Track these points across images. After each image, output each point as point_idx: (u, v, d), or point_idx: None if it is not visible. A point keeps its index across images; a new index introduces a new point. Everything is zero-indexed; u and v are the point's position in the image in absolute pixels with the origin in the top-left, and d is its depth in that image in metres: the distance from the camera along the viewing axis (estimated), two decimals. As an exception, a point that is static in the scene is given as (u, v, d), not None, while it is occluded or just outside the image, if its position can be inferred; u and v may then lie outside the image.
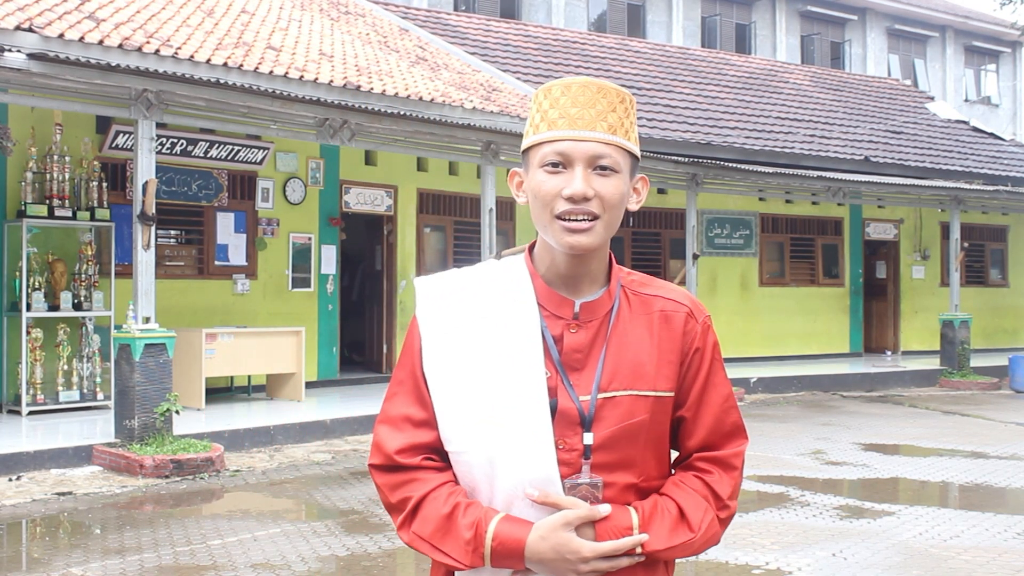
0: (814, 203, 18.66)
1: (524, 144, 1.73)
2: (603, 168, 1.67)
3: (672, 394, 1.73)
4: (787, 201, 18.50)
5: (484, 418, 1.66)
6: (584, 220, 1.65)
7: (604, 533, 1.64)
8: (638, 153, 1.76)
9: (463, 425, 1.67)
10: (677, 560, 1.78)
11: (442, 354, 1.70)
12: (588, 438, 1.66)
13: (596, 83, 1.70)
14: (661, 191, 16.75)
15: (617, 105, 1.70)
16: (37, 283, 10.16)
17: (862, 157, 18.59)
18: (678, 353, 1.74)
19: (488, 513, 1.64)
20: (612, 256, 1.77)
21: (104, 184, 10.70)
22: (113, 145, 11.00)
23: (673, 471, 1.81)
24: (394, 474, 1.69)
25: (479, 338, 1.69)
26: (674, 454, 1.83)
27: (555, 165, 1.67)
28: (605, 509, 1.64)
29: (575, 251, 1.67)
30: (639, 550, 1.65)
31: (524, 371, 1.66)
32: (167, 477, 8.13)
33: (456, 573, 1.70)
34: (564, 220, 1.65)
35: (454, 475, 1.70)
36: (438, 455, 1.71)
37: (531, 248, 1.79)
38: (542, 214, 1.68)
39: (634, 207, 1.77)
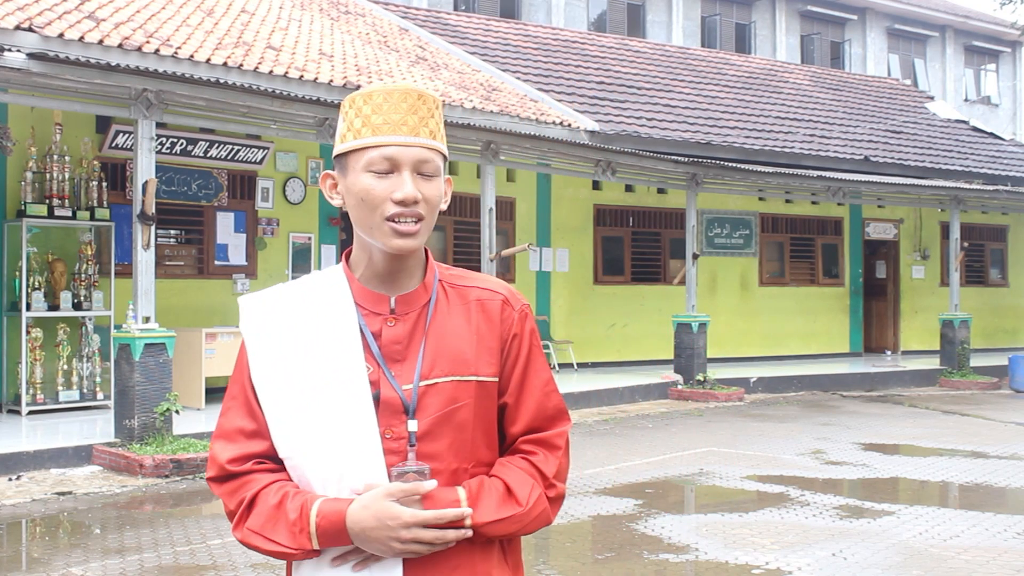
0: (814, 203, 18.66)
1: (344, 147, 1.75)
2: (426, 173, 1.73)
3: (495, 379, 1.78)
4: (787, 201, 18.50)
5: (311, 418, 1.70)
6: (412, 223, 1.71)
7: (431, 509, 1.67)
8: (447, 154, 1.82)
9: (292, 428, 1.71)
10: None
11: (266, 364, 1.75)
12: (412, 425, 1.70)
13: (416, 90, 1.75)
14: (661, 191, 16.76)
15: (434, 111, 1.76)
16: (37, 283, 10.16)
17: (862, 157, 18.60)
18: (497, 339, 1.78)
19: (313, 496, 1.68)
20: (428, 252, 1.83)
21: (104, 184, 10.70)
22: (113, 145, 11.00)
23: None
24: (228, 482, 1.73)
25: (300, 344, 1.74)
26: None
27: (382, 170, 1.71)
28: (430, 485, 1.67)
29: (403, 252, 1.72)
30: (468, 523, 1.68)
31: (344, 366, 1.71)
32: (167, 477, 8.13)
33: (295, 566, 1.73)
34: (394, 222, 1.70)
35: (288, 477, 1.74)
36: (272, 461, 1.75)
37: (347, 255, 1.84)
38: (370, 217, 1.71)
39: (443, 207, 1.81)
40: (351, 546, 1.66)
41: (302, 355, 1.73)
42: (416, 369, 1.73)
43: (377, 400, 1.70)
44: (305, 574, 1.72)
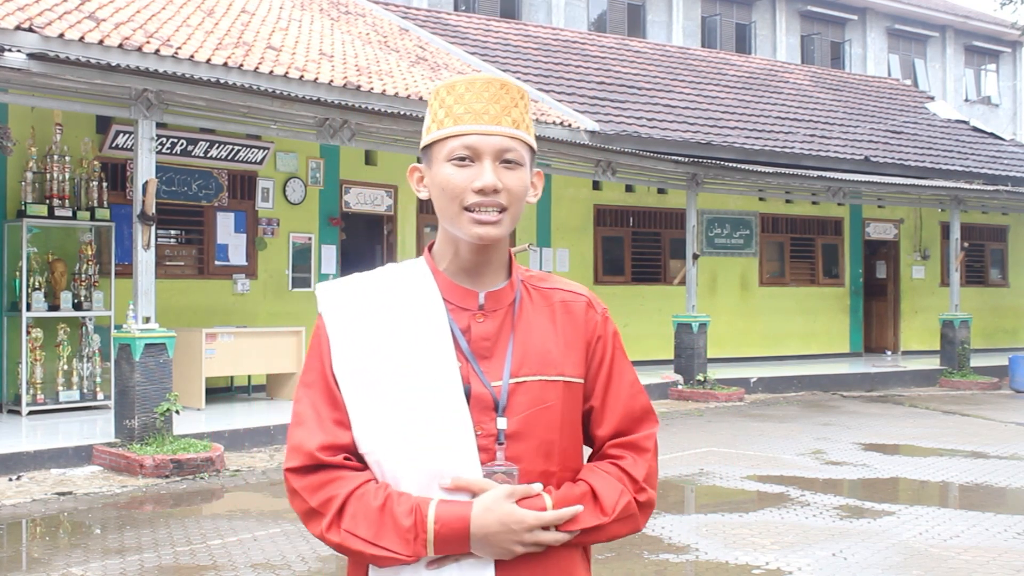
0: (814, 203, 18.66)
1: (427, 139, 1.75)
2: (509, 161, 1.70)
3: (581, 381, 1.75)
4: (787, 201, 18.50)
5: (400, 412, 1.66)
6: (493, 212, 1.68)
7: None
8: (536, 147, 1.79)
9: (378, 422, 1.67)
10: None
11: (351, 354, 1.71)
12: (502, 422, 1.67)
13: (499, 79, 1.73)
14: (661, 191, 16.75)
15: (519, 101, 1.73)
16: (37, 283, 10.16)
17: (862, 157, 18.60)
18: (582, 341, 1.77)
19: (423, 500, 1.62)
20: (510, 252, 1.82)
21: (104, 184, 10.70)
22: (113, 145, 11.00)
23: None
24: (316, 474, 1.66)
25: (387, 337, 1.70)
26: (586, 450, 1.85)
27: (462, 159, 1.69)
28: (538, 487, 1.65)
29: (483, 242, 1.70)
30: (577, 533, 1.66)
31: (436, 361, 1.68)
32: (167, 477, 8.13)
33: (374, 570, 1.67)
34: (473, 212, 1.68)
35: (372, 475, 1.69)
36: (356, 457, 1.69)
37: (430, 247, 1.82)
38: (450, 207, 1.70)
39: (532, 200, 1.79)
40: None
41: (390, 348, 1.69)
42: (505, 367, 1.70)
43: (468, 396, 1.67)
44: (387, 574, 1.65)
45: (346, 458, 1.67)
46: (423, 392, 1.66)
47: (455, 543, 1.60)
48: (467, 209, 1.68)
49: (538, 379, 1.70)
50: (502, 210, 1.69)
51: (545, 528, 1.63)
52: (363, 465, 1.69)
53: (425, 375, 1.67)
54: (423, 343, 1.69)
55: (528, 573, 1.64)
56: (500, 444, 1.67)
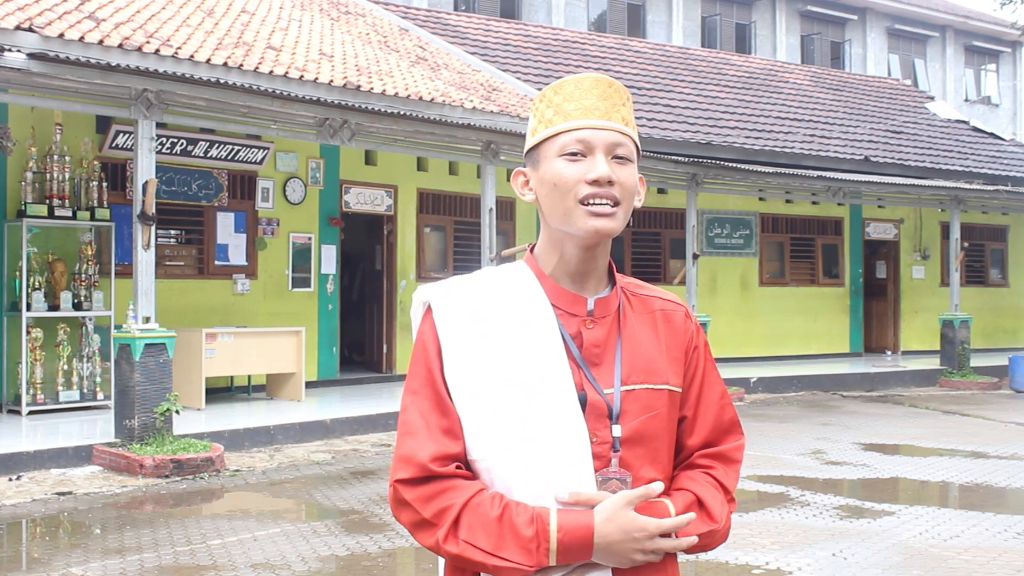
0: (814, 203, 18.66)
1: (537, 138, 1.73)
2: (620, 157, 1.71)
3: (681, 389, 1.76)
4: (787, 201, 18.50)
5: (514, 418, 1.64)
6: (608, 204, 1.67)
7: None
8: (641, 149, 1.79)
9: (492, 428, 1.65)
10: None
11: (463, 359, 1.68)
12: (617, 430, 1.67)
13: (607, 79, 1.74)
14: (661, 191, 16.75)
15: (626, 101, 1.75)
16: (37, 283, 10.16)
17: (862, 157, 18.60)
18: (682, 350, 1.78)
19: (543, 509, 1.60)
20: (611, 259, 1.80)
21: (104, 184, 10.70)
22: (113, 145, 11.00)
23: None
24: (428, 485, 1.62)
25: (499, 342, 1.68)
26: None
27: (575, 154, 1.68)
28: (658, 487, 1.64)
29: (600, 236, 1.68)
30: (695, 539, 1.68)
31: (550, 368, 1.66)
32: (167, 477, 8.13)
33: None
34: (588, 204, 1.67)
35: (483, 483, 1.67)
36: (465, 466, 1.67)
37: (531, 249, 1.79)
38: (563, 201, 1.68)
39: (638, 203, 1.78)
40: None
41: (503, 354, 1.67)
42: (615, 374, 1.69)
43: (583, 403, 1.66)
44: None
45: (457, 467, 1.64)
46: (538, 399, 1.64)
47: (578, 552, 1.58)
48: (581, 202, 1.67)
49: (646, 387, 1.71)
50: (616, 203, 1.68)
51: (666, 535, 1.63)
52: (474, 474, 1.66)
53: (539, 382, 1.65)
54: (536, 349, 1.67)
55: None
56: (616, 452, 1.66)
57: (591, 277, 1.74)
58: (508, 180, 1.89)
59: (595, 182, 1.66)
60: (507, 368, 1.66)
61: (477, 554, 1.58)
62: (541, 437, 1.64)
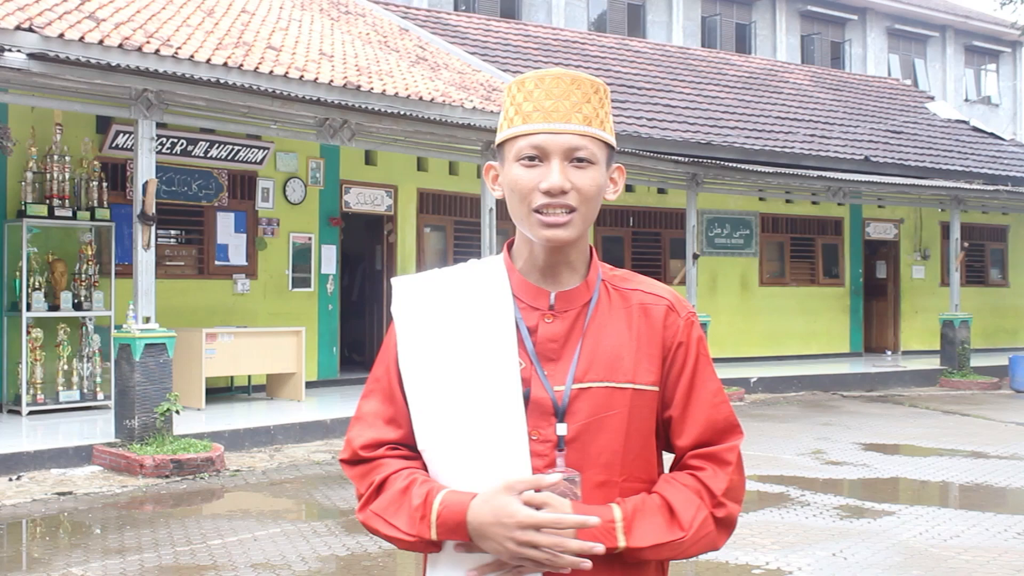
0: (814, 203, 18.66)
1: (499, 138, 1.72)
2: (579, 160, 1.65)
3: (655, 388, 1.68)
4: (787, 201, 18.50)
5: (455, 411, 1.63)
6: (562, 213, 1.64)
7: (583, 531, 1.55)
8: (614, 143, 1.73)
9: (434, 420, 1.65)
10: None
11: (415, 350, 1.69)
12: (561, 428, 1.62)
13: (570, 74, 1.68)
14: (661, 191, 16.76)
15: (591, 96, 1.68)
16: (37, 283, 10.16)
17: (862, 157, 18.60)
18: (659, 347, 1.69)
19: (440, 486, 1.61)
20: (593, 250, 1.76)
21: (104, 184, 10.70)
22: (113, 145, 11.00)
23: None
24: (359, 466, 1.69)
25: (454, 333, 1.67)
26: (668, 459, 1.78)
27: (531, 159, 1.65)
28: (552, 478, 1.57)
29: (551, 244, 1.65)
30: (621, 543, 1.58)
31: (496, 361, 1.63)
32: (167, 477, 8.13)
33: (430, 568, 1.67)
34: (541, 214, 1.64)
35: (422, 465, 1.67)
36: (407, 448, 1.69)
37: (509, 244, 1.78)
38: (519, 208, 1.66)
39: (611, 197, 1.75)
40: (484, 553, 1.57)
41: (453, 344, 1.66)
42: (570, 370, 1.64)
43: (527, 399, 1.62)
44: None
45: (391, 448, 1.69)
46: (480, 392, 1.63)
47: (454, 529, 1.57)
48: (536, 211, 1.64)
49: (604, 385, 1.64)
50: (571, 211, 1.64)
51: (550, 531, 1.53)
52: (411, 454, 1.69)
53: (484, 375, 1.63)
54: (488, 341, 1.65)
55: None
56: (560, 450, 1.61)
57: (562, 271, 1.70)
58: (484, 174, 1.91)
59: (547, 192, 1.62)
60: (455, 361, 1.65)
61: (377, 522, 1.64)
62: (477, 432, 1.61)
